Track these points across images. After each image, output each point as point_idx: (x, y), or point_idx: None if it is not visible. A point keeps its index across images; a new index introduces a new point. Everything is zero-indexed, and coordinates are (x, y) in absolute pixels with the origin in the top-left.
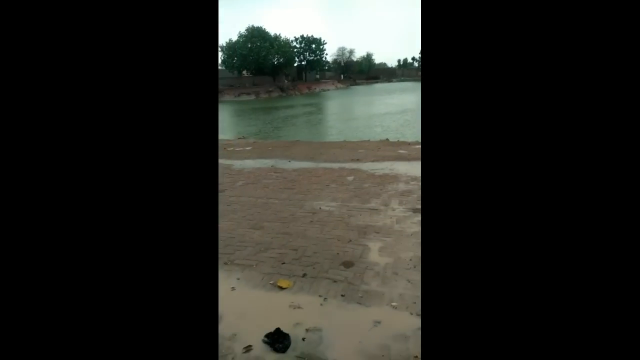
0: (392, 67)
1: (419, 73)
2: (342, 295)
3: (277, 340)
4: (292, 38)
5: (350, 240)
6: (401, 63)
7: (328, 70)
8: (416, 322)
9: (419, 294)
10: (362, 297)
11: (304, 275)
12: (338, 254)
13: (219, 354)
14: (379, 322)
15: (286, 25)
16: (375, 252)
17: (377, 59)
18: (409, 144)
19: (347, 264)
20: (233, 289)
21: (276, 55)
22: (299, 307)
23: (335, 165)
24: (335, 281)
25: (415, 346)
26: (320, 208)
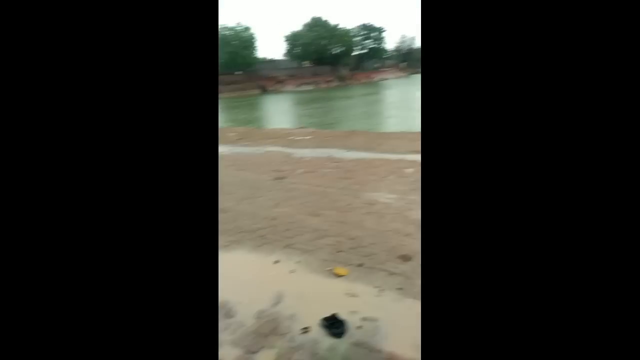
0: None
1: None
2: (398, 289)
3: (334, 325)
4: (352, 27)
5: (408, 234)
6: None
7: (388, 58)
8: None
9: None
10: (419, 292)
11: (361, 265)
12: (395, 247)
13: (279, 332)
14: None
15: (347, 15)
16: None
17: None
18: None
19: (405, 258)
20: (292, 271)
21: (336, 45)
22: (355, 296)
23: (394, 157)
24: (392, 274)
25: None
26: (377, 200)
